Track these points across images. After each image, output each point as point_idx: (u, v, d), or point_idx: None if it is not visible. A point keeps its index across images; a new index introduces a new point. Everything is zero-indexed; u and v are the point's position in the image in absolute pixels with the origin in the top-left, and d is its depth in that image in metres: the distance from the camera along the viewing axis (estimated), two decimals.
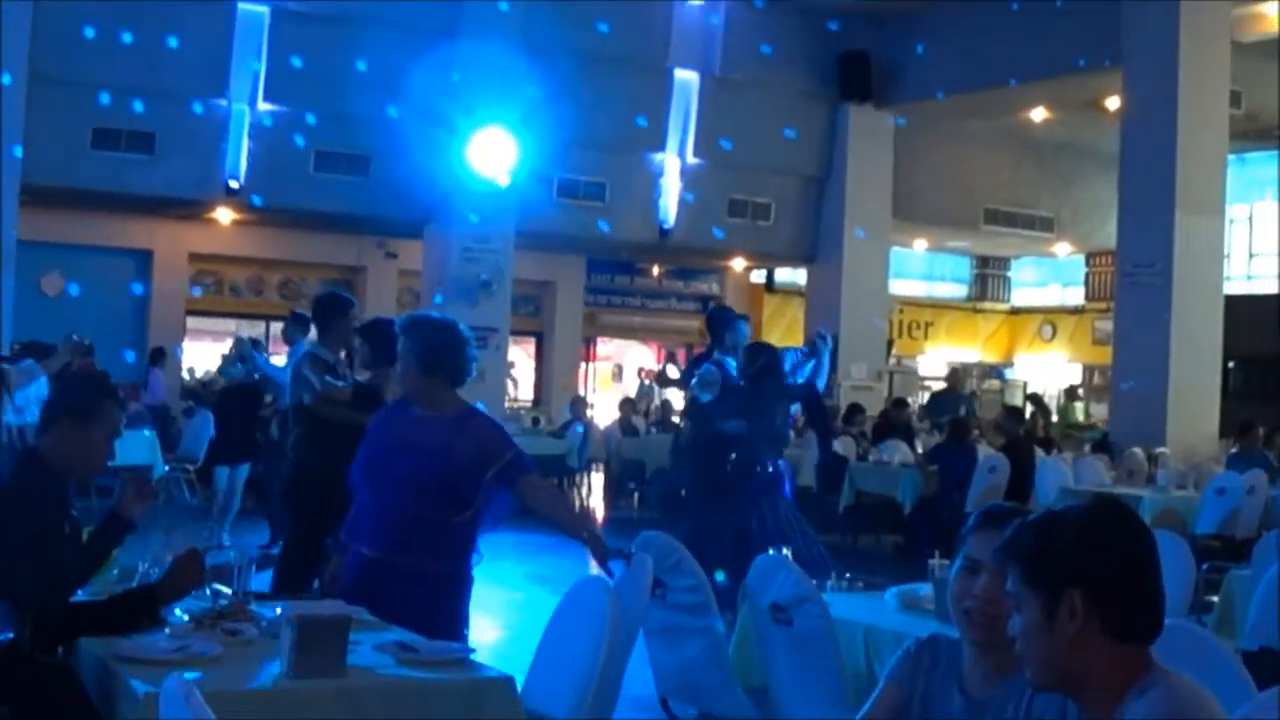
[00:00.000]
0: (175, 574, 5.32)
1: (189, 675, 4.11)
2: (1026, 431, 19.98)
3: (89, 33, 19.59)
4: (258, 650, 5.02)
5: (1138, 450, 18.55)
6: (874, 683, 6.02)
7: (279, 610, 5.17)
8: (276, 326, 29.84)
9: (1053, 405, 30.15)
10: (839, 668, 5.84)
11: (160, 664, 4.64)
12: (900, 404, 23.13)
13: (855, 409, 22.91)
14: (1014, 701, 3.65)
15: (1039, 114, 26.92)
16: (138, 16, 20.23)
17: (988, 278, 37.19)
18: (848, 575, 7.19)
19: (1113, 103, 23.55)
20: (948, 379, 25.45)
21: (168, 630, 5.16)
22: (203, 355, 28.18)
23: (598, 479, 23.44)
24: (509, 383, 25.71)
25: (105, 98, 20.20)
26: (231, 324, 30.20)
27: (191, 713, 3.26)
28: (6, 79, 18.45)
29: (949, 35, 24.86)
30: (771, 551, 6.64)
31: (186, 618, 5.31)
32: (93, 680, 4.82)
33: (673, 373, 17.78)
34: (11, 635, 4.70)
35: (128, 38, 19.84)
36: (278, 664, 4.68)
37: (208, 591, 5.54)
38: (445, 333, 6.28)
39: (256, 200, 22.30)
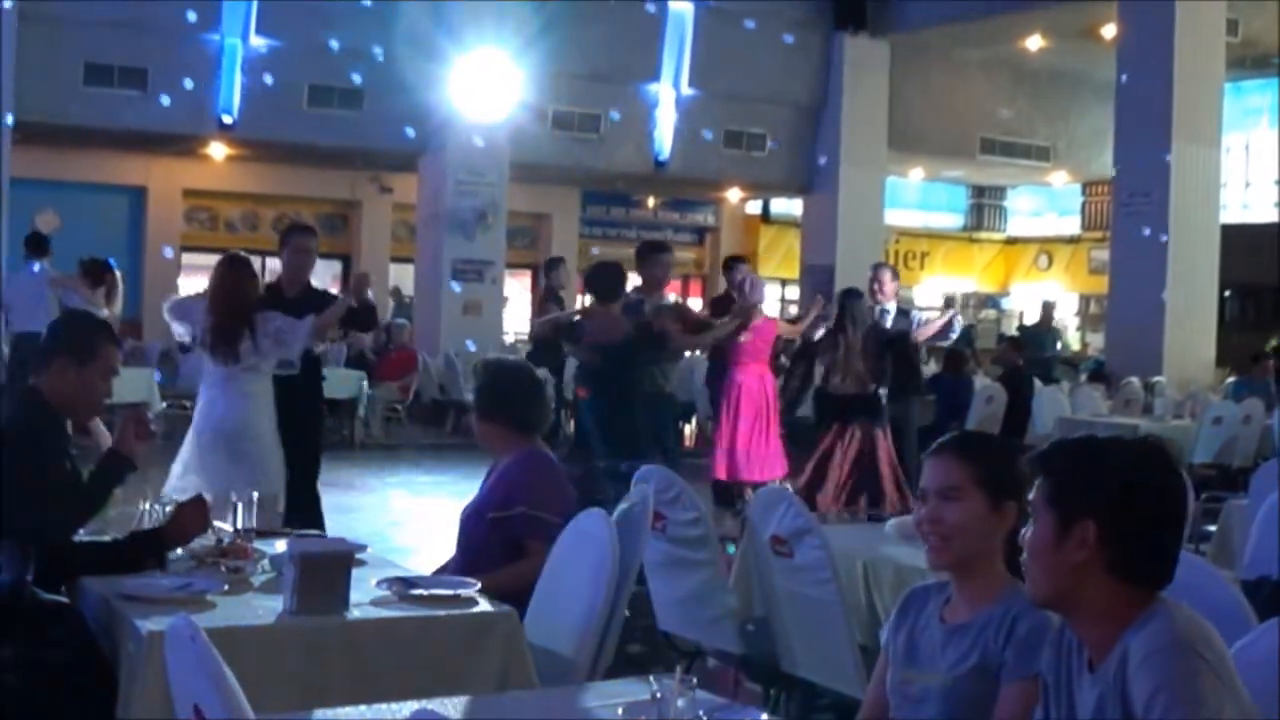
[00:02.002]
0: (181, 519, 5.33)
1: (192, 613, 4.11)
2: (1025, 362, 20.00)
3: None
4: (260, 587, 5.03)
5: (1134, 380, 18.59)
6: (874, 615, 6.08)
7: (282, 548, 5.18)
8: (273, 262, 29.92)
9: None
10: (839, 599, 5.85)
11: (163, 602, 4.64)
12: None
13: None
14: (995, 623, 3.69)
15: (1035, 42, 26.80)
16: None
17: (984, 207, 37.16)
18: (848, 507, 7.20)
19: (1109, 31, 23.46)
20: (1041, 311, 24.46)
21: (170, 568, 5.17)
22: (197, 291, 28.13)
23: None
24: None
25: (97, 33, 20.13)
26: None
27: (196, 650, 3.26)
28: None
29: None
30: None
31: (189, 555, 5.32)
32: (96, 619, 4.83)
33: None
34: (15, 575, 4.70)
35: None
36: (280, 601, 4.69)
37: (210, 530, 5.54)
38: (499, 376, 6.24)
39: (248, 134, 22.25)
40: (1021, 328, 24.72)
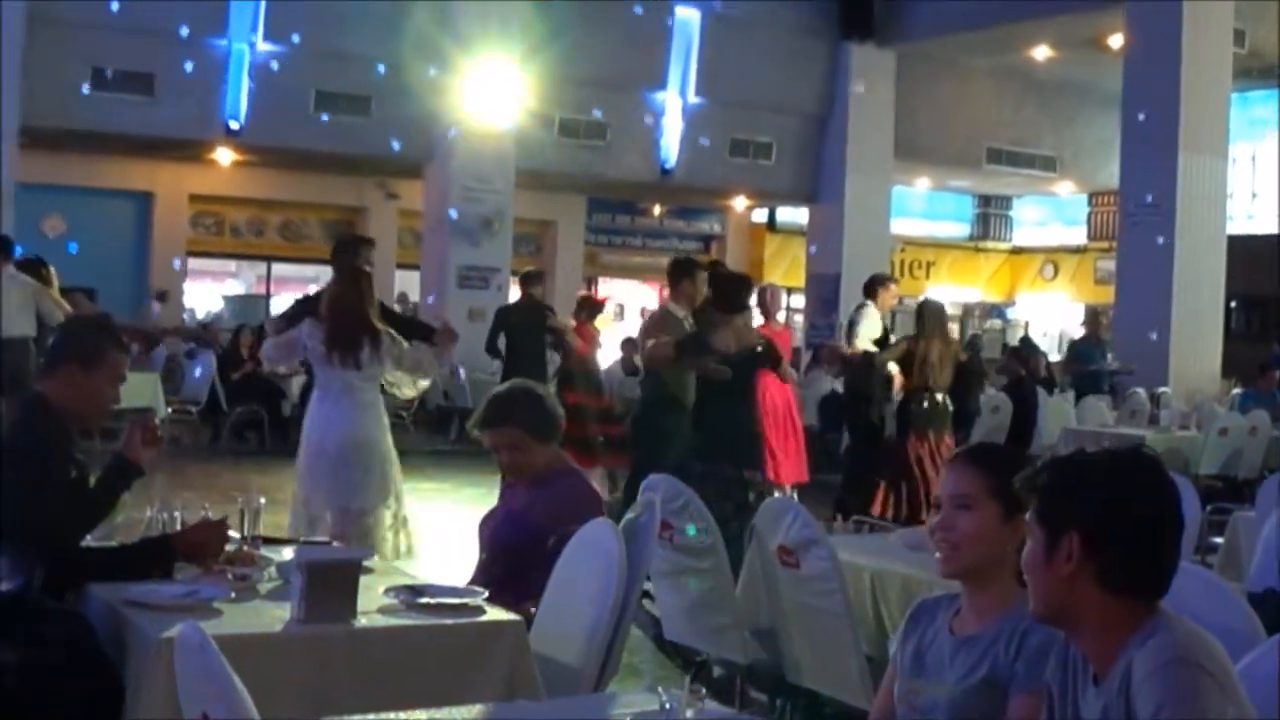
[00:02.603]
0: (196, 535, 5.32)
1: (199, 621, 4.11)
2: (1027, 371, 19.99)
3: None
4: (268, 595, 5.03)
5: (1140, 390, 18.56)
6: (880, 626, 6.08)
7: (289, 555, 5.18)
8: (278, 268, 30.01)
9: (1055, 346, 30.12)
10: (846, 610, 5.85)
11: (171, 609, 4.64)
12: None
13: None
14: (1005, 637, 3.70)
15: (1041, 52, 26.81)
16: None
17: (990, 217, 37.14)
18: (854, 518, 7.19)
19: (1115, 41, 23.45)
20: (1087, 323, 22.47)
21: (178, 575, 5.17)
22: (204, 297, 28.17)
23: None
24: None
25: (103, 38, 20.15)
26: (232, 265, 30.27)
27: (205, 658, 3.26)
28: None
29: None
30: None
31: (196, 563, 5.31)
32: (102, 625, 4.82)
33: None
34: (22, 580, 4.70)
35: None
36: (288, 609, 4.68)
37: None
38: (545, 397, 6.21)
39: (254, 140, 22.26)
40: (1072, 344, 22.57)
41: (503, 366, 15.86)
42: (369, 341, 8.51)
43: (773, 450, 12.76)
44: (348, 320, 8.56)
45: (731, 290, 10.95)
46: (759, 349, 10.67)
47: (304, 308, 9.46)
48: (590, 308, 17.00)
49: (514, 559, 5.77)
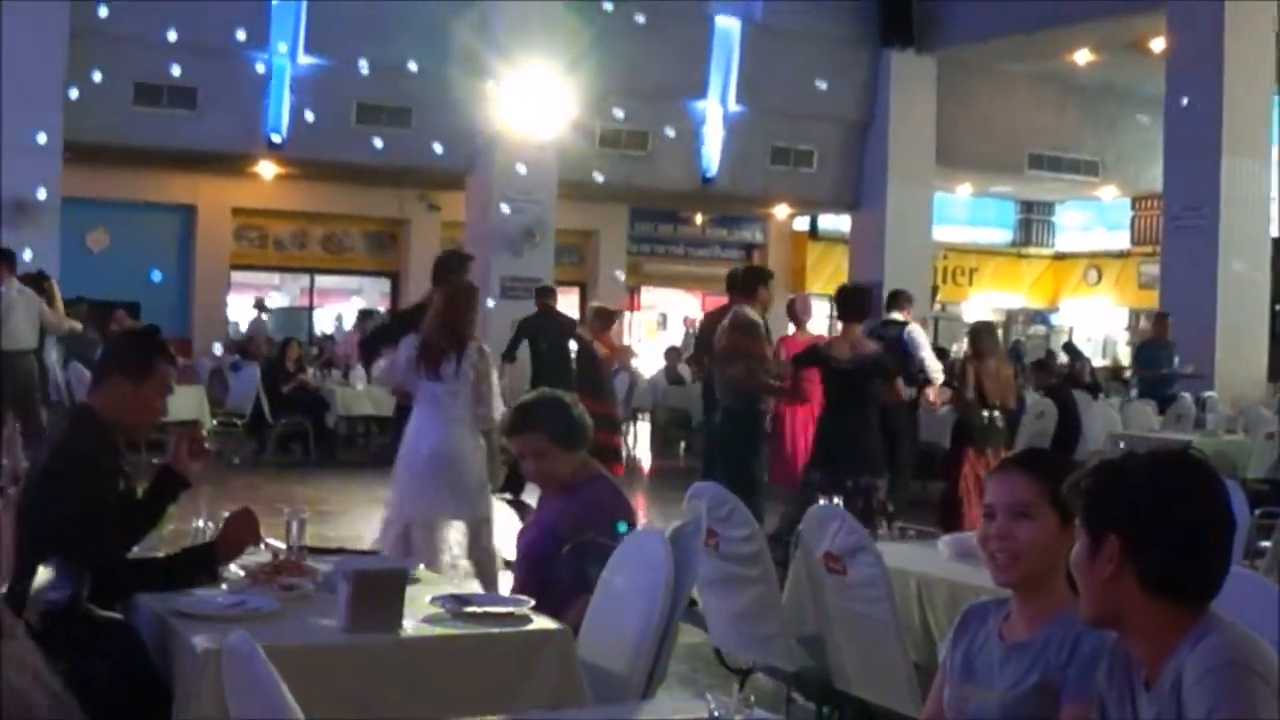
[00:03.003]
0: (231, 532, 5.34)
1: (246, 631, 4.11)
2: (1071, 376, 19.92)
3: None
4: (314, 605, 5.03)
5: (1186, 394, 18.46)
6: (928, 633, 6.05)
7: (335, 565, 5.19)
8: (321, 280, 30.11)
9: (1098, 350, 30.00)
10: (893, 617, 5.82)
11: (218, 619, 4.65)
12: (942, 353, 22.90)
13: None
14: (1056, 642, 3.67)
15: (1082, 56, 26.70)
16: None
17: (1032, 222, 37.00)
18: (899, 524, 7.17)
19: (1157, 44, 23.36)
20: (1154, 325, 20.67)
21: (224, 585, 5.18)
22: (247, 309, 28.30)
23: (644, 428, 23.43)
24: None
25: (147, 53, 20.26)
26: (275, 278, 30.37)
27: (253, 668, 3.26)
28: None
29: None
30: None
31: (243, 573, 5.32)
32: (150, 636, 4.84)
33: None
34: (70, 591, 4.71)
35: None
36: (334, 619, 4.69)
37: (263, 546, 5.55)
38: (572, 404, 6.22)
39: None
40: (1139, 348, 21.17)
41: (530, 377, 16.11)
42: (454, 356, 8.60)
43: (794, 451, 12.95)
44: (444, 333, 8.67)
45: (855, 300, 11.42)
46: (876, 360, 11.09)
47: (395, 323, 9.66)
48: (605, 318, 17.12)
49: (542, 570, 5.78)
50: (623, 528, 5.70)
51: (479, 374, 8.68)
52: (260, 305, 25.49)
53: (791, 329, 13.85)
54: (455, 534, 8.65)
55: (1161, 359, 19.57)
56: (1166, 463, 3.14)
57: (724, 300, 13.06)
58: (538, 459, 6.01)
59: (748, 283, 12.14)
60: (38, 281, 15.73)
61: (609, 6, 22.37)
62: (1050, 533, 3.72)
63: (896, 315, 14.52)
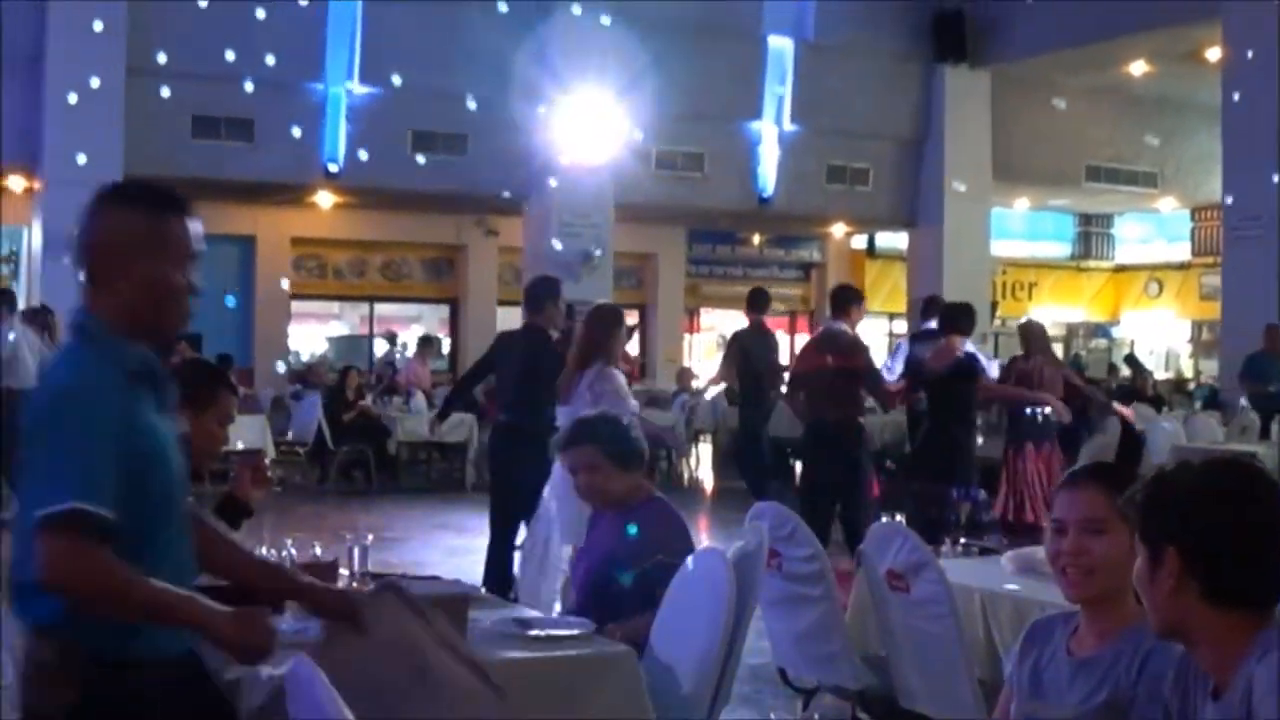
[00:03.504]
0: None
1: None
2: (1134, 389, 19.78)
3: (184, 25, 19.86)
4: None
5: (1245, 404, 18.32)
6: (993, 649, 6.02)
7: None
8: (381, 308, 30.23)
9: (1160, 363, 29.80)
10: (958, 634, 5.80)
11: (281, 645, 4.66)
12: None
13: None
14: (1126, 659, 3.64)
15: (1139, 68, 26.53)
16: (231, 6, 20.42)
17: (1091, 235, 36.79)
18: (963, 541, 7.15)
19: (1214, 54, 23.20)
20: (1266, 336, 19.26)
21: (288, 612, 5.20)
22: (308, 338, 28.43)
23: (705, 450, 23.41)
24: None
25: (204, 86, 20.43)
26: (334, 306, 30.51)
27: (317, 693, 3.27)
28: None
29: None
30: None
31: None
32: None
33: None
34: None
35: (222, 26, 20.05)
36: None
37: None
38: (628, 425, 6.24)
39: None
40: (1248, 360, 19.34)
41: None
42: (579, 379, 8.82)
43: None
44: (574, 359, 9.25)
45: (962, 315, 12.30)
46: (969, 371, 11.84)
47: (466, 385, 10.31)
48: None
49: (602, 593, 5.79)
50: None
51: (599, 394, 8.87)
52: (391, 338, 25.53)
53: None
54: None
55: (1273, 372, 19.04)
56: (1220, 472, 3.12)
57: (784, 322, 13.41)
58: (590, 473, 6.03)
59: (840, 301, 12.35)
60: (43, 316, 15.85)
61: (662, 29, 22.46)
62: (1123, 547, 3.67)
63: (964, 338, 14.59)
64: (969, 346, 14.13)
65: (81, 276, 3.82)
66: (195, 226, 4.04)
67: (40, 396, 3.75)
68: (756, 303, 16.30)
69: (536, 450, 8.67)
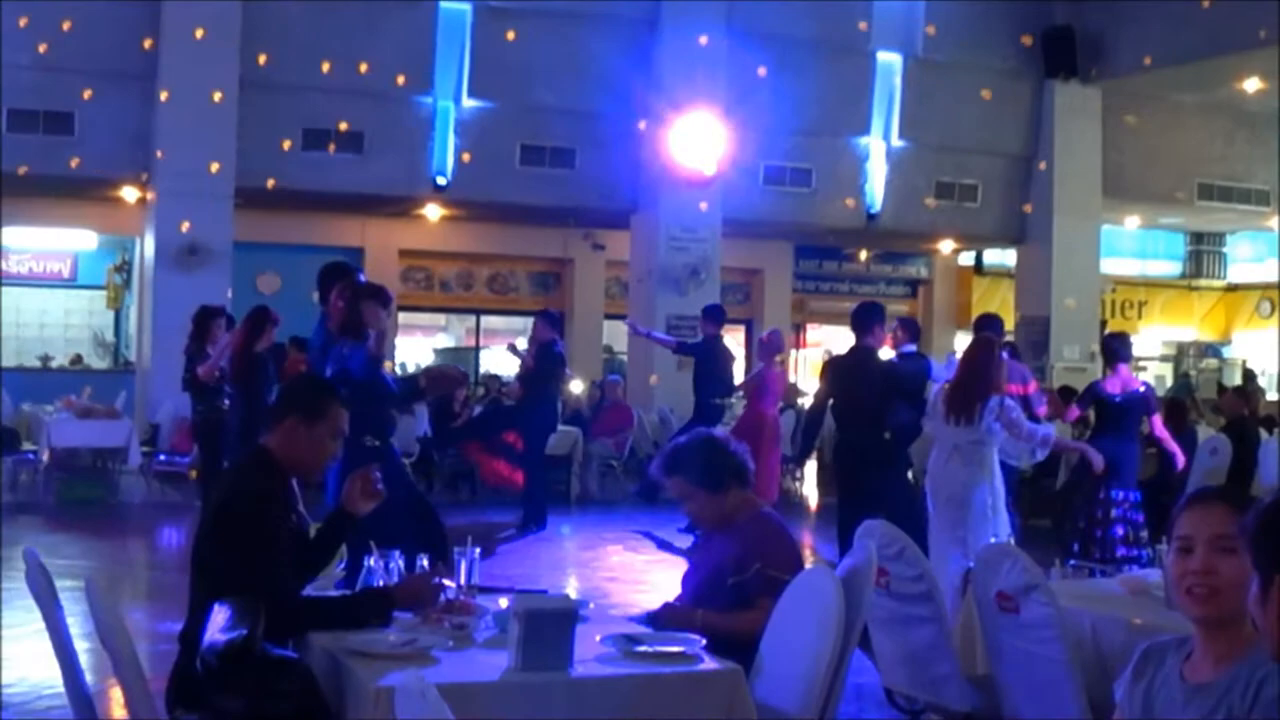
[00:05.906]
0: (415, 585, 5.40)
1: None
2: (1250, 411, 19.51)
3: (295, 37, 20.06)
4: (484, 644, 5.06)
5: None
6: (1103, 672, 5.96)
7: (504, 604, 5.22)
8: (487, 320, 30.35)
9: (1273, 384, 29.40)
10: (1067, 657, 5.75)
11: (389, 658, 4.70)
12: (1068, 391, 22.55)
13: (1066, 391, 22.47)
14: (1240, 685, 3.56)
15: (1252, 84, 26.25)
16: (342, 19, 20.63)
17: (1202, 254, 36.35)
18: (1073, 562, 7.09)
19: None
20: None
21: (395, 624, 5.23)
22: (415, 350, 28.57)
23: (812, 465, 23.33)
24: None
25: (315, 99, 20.62)
26: (442, 319, 30.65)
27: (427, 707, 3.28)
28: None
29: (1154, 7, 24.37)
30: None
31: (413, 612, 5.37)
32: (322, 673, 4.89)
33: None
34: (245, 630, 4.78)
35: (333, 39, 20.26)
36: (505, 658, 4.71)
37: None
38: (719, 446, 6.25)
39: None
40: None
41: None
42: (980, 405, 9.89)
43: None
44: (967, 384, 10.02)
45: (1114, 343, 13.48)
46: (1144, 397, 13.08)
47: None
48: None
49: (701, 605, 5.79)
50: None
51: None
52: (514, 349, 25.63)
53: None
54: None
55: None
56: None
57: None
58: (686, 501, 6.07)
59: (867, 321, 12.62)
60: (204, 319, 16.04)
61: (770, 45, 22.45)
62: (1249, 569, 3.62)
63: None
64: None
65: None
66: None
67: None
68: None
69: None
